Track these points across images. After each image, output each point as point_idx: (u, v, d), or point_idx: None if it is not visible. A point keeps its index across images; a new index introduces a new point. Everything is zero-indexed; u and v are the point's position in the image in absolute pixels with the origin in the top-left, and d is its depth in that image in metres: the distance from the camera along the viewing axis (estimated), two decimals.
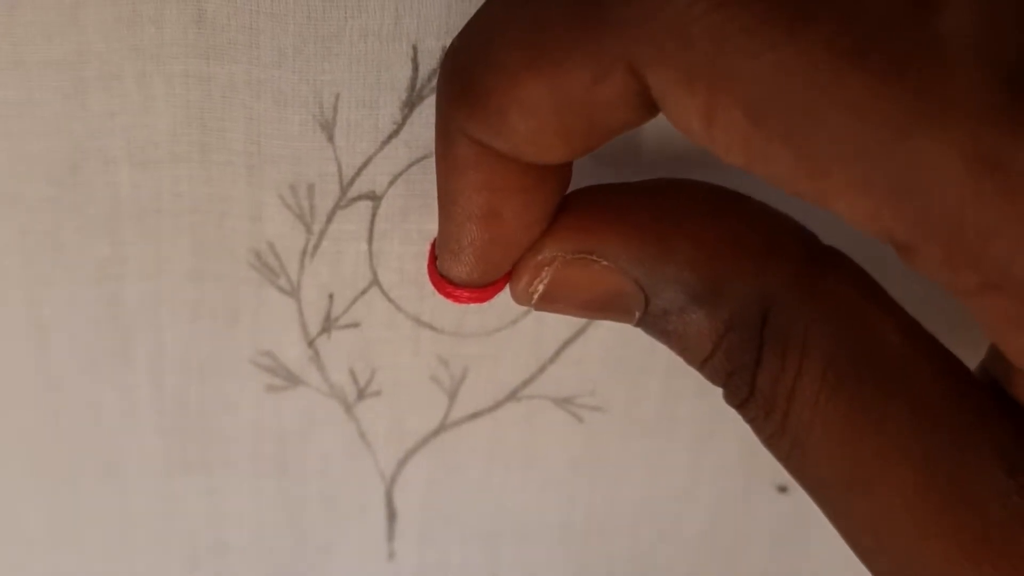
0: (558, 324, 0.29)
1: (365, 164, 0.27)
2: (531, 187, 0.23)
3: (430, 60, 0.25)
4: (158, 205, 0.27)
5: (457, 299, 0.25)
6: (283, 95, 0.26)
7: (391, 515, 0.32)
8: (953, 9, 0.19)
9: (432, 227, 0.26)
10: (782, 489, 0.32)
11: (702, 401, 0.31)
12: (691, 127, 0.20)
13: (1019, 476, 0.21)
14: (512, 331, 0.29)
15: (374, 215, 0.27)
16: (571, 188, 0.24)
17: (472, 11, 0.22)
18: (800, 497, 0.24)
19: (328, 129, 0.26)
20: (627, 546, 0.33)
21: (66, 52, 0.25)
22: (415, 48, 0.25)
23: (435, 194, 0.24)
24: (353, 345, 0.29)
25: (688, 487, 0.32)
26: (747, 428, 0.24)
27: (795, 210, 0.24)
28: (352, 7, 0.25)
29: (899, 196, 0.19)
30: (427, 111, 0.26)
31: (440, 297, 0.25)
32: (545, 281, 0.24)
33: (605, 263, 0.24)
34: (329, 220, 0.27)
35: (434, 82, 0.26)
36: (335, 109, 0.26)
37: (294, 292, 0.28)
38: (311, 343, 0.29)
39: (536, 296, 0.24)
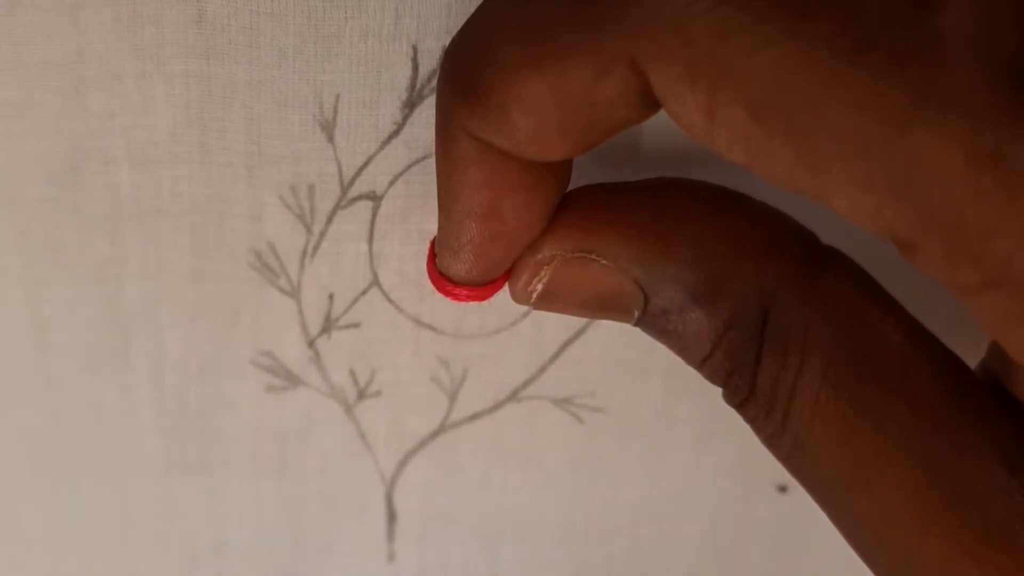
0: (558, 325, 0.29)
1: (365, 164, 0.27)
2: (531, 185, 0.23)
3: (430, 60, 0.25)
4: (158, 205, 0.27)
5: (456, 297, 0.25)
6: (283, 95, 0.26)
7: (391, 516, 0.32)
8: (953, 8, 0.19)
9: (432, 227, 0.26)
10: (782, 489, 0.32)
11: (702, 401, 0.31)
12: (693, 124, 0.20)
13: (1020, 474, 0.21)
14: (512, 332, 0.29)
15: (374, 215, 0.27)
16: (571, 187, 0.24)
17: (472, 11, 0.22)
18: (800, 497, 0.24)
19: (328, 129, 0.26)
20: (627, 546, 0.33)
21: (66, 52, 0.25)
22: (415, 48, 0.25)
23: (435, 194, 0.24)
24: (353, 345, 0.29)
25: (688, 487, 0.32)
26: (747, 428, 0.24)
27: (795, 210, 0.24)
28: (352, 7, 0.25)
29: (899, 192, 0.19)
30: (427, 111, 0.26)
31: (439, 295, 0.25)
32: (544, 280, 0.24)
33: (604, 262, 0.24)
34: (329, 220, 0.27)
35: (434, 82, 0.26)
36: (335, 109, 0.26)
37: (294, 292, 0.28)
38: (311, 343, 0.29)
39: (535, 295, 0.24)
